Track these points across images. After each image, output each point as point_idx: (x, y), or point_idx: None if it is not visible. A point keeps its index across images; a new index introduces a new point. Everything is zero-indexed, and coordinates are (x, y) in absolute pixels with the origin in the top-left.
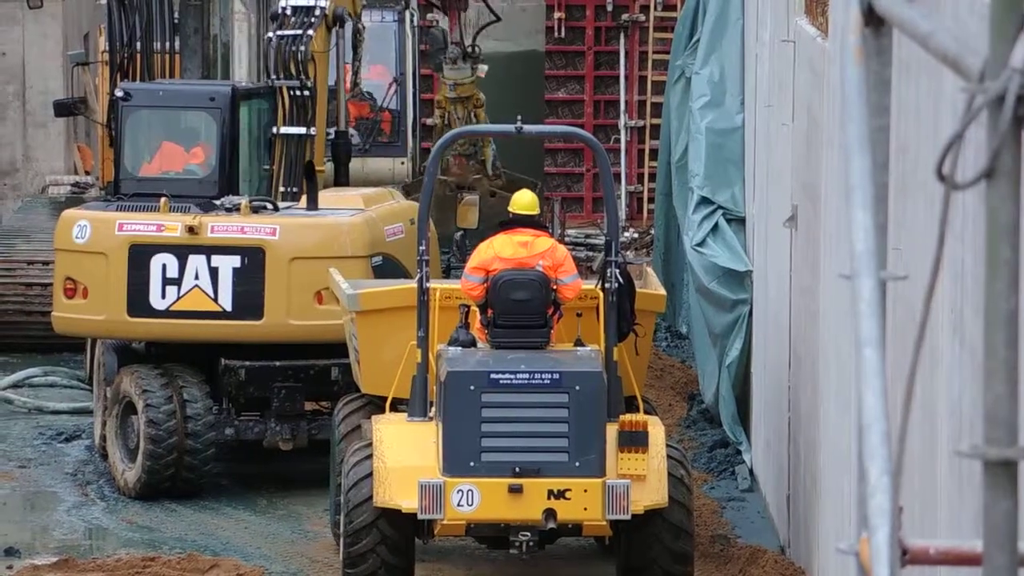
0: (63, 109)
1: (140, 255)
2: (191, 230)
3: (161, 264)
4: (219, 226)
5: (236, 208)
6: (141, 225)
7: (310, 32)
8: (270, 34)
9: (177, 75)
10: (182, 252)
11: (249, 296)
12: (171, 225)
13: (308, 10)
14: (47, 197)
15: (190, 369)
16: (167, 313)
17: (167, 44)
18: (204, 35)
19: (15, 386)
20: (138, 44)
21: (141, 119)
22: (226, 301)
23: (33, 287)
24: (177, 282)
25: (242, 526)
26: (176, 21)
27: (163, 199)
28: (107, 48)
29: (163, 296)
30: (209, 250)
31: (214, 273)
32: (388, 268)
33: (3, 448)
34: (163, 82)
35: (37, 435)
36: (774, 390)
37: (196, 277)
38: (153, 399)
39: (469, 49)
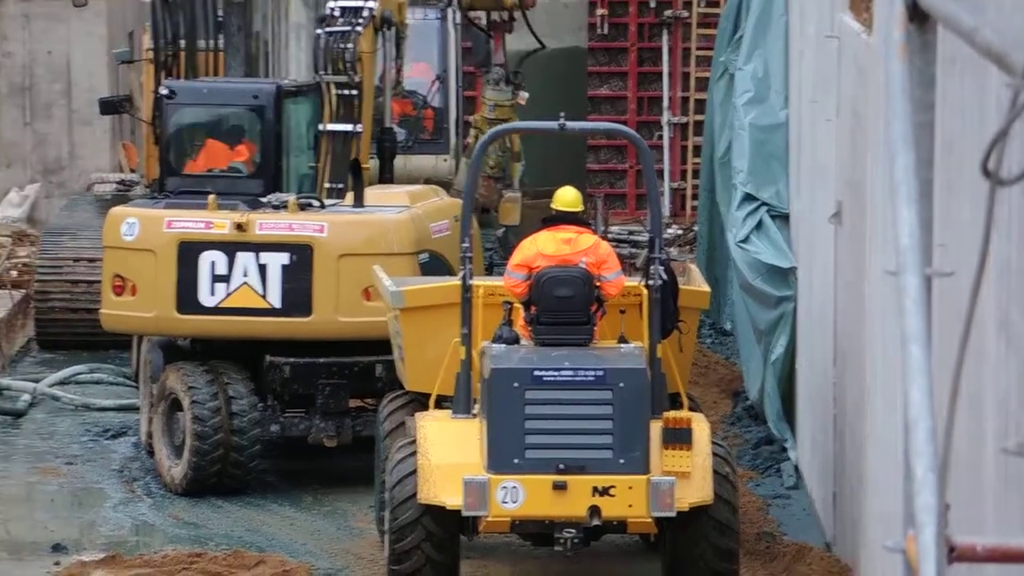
0: (108, 107)
1: (189, 252)
2: (240, 227)
3: (210, 261)
4: (267, 223)
5: (283, 205)
6: (190, 222)
7: (358, 28)
8: (318, 31)
9: (221, 73)
10: (231, 249)
11: (298, 293)
12: (220, 222)
13: (356, 11)
14: (92, 195)
15: (235, 366)
16: (216, 310)
17: (211, 42)
18: (247, 33)
19: (62, 383)
20: (182, 42)
21: (186, 117)
22: (275, 298)
23: (79, 284)
24: (226, 279)
25: (288, 522)
26: (220, 19)
27: (211, 196)
28: (152, 46)
29: (212, 293)
30: (258, 247)
31: (263, 270)
32: (434, 265)
33: (50, 445)
34: (207, 80)
35: (84, 432)
36: (819, 387)
37: (245, 274)
38: (199, 396)
39: (512, 75)
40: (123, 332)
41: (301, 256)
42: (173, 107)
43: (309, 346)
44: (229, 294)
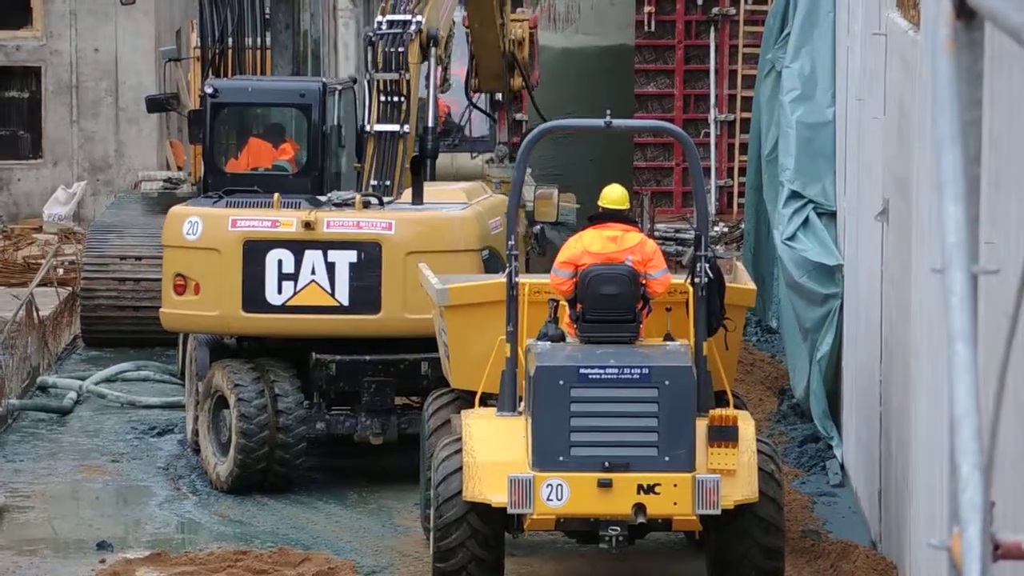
0: (155, 105)
1: (255, 251)
2: (307, 225)
3: (277, 260)
4: (335, 221)
5: (347, 203)
6: (255, 221)
7: (411, 30)
8: (369, 33)
9: (268, 71)
10: (298, 248)
11: (366, 290)
12: (286, 221)
13: (404, 24)
14: (139, 193)
15: (281, 363)
16: (283, 308)
17: (258, 40)
18: (295, 31)
19: (108, 381)
20: (230, 40)
21: (230, 115)
22: (343, 296)
23: (125, 282)
24: (293, 277)
25: (333, 520)
26: (267, 17)
27: (276, 195)
28: (199, 44)
29: (279, 291)
30: (325, 245)
31: (331, 268)
32: (492, 261)
33: (96, 443)
34: (252, 78)
35: (129, 429)
36: (865, 385)
37: (312, 272)
38: (245, 393)
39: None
40: (185, 331)
41: (369, 254)
42: (217, 105)
43: (355, 344)
44: (296, 292)
